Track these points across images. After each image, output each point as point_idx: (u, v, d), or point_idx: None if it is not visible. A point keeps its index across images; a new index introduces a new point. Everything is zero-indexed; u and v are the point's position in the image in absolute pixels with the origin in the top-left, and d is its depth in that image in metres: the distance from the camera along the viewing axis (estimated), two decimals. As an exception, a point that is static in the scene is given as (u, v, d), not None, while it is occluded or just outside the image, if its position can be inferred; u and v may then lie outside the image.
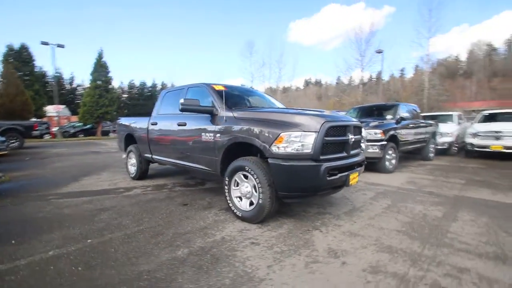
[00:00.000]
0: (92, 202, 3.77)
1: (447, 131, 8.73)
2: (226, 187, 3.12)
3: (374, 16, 56.48)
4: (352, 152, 3.03)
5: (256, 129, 2.80)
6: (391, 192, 4.26)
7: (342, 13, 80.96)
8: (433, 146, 7.99)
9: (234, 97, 3.83)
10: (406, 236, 2.59)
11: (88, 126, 25.56)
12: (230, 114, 3.19)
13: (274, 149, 2.63)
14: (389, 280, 1.85)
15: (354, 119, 3.24)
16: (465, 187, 4.61)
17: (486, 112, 9.18)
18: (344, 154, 2.91)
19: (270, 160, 2.65)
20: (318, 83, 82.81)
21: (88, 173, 6.05)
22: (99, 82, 25.95)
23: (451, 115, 9.93)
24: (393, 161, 6.01)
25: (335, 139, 2.78)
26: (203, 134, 3.43)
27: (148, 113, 4.94)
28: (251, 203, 2.92)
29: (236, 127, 3.03)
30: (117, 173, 6.05)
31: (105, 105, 25.73)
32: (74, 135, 24.28)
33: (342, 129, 2.89)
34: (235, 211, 3.03)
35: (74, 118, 33.04)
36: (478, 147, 7.77)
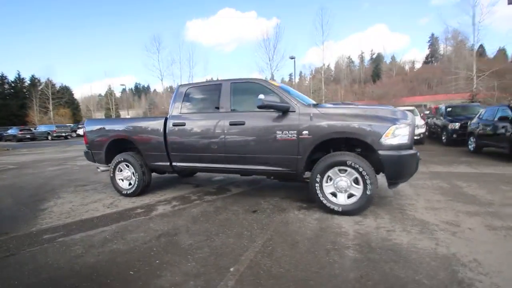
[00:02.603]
0: (123, 233, 2.85)
1: (420, 123, 9.64)
2: (317, 184, 3.07)
3: (265, 25, 62.52)
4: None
5: (360, 124, 2.92)
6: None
7: (237, 19, 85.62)
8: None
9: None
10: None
11: None
12: (314, 110, 3.14)
13: (385, 141, 2.84)
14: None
15: None
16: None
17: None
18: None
19: (381, 152, 2.85)
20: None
21: (41, 199, 4.32)
22: None
23: (414, 109, 10.90)
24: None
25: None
26: (278, 132, 3.20)
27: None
28: (350, 196, 3.03)
29: (328, 123, 3.03)
30: (91, 192, 4.60)
31: None
32: None
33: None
34: (331, 206, 3.03)
35: None
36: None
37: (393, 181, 2.97)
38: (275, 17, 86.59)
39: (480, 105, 10.83)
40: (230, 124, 3.46)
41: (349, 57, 75.02)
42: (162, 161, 3.98)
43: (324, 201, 3.07)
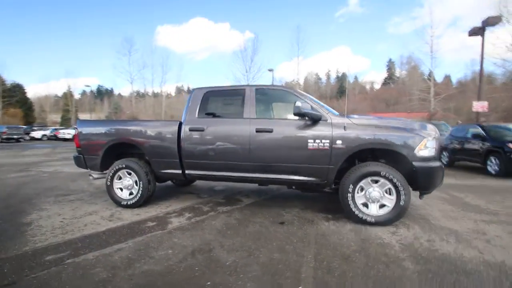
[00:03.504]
0: (146, 251, 2.49)
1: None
2: (349, 194, 3.03)
3: (238, 37, 63.62)
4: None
5: (396, 136, 2.97)
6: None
7: (209, 29, 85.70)
8: None
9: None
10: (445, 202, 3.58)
11: None
12: (347, 121, 3.13)
13: (418, 153, 2.91)
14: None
15: None
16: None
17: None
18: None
19: (416, 163, 2.90)
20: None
21: (19, 211, 3.64)
22: None
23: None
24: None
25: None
26: (310, 141, 3.12)
27: None
28: (381, 206, 3.03)
29: (363, 134, 3.03)
30: (78, 203, 4.00)
31: None
32: None
33: None
34: (363, 217, 2.99)
35: None
36: None
37: (424, 192, 3.04)
38: (248, 30, 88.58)
39: (446, 124, 11.98)
40: (257, 131, 3.29)
41: (316, 74, 79.16)
42: (173, 168, 3.63)
43: (356, 212, 3.02)
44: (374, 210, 3.02)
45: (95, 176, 4.03)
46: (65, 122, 44.67)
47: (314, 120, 3.14)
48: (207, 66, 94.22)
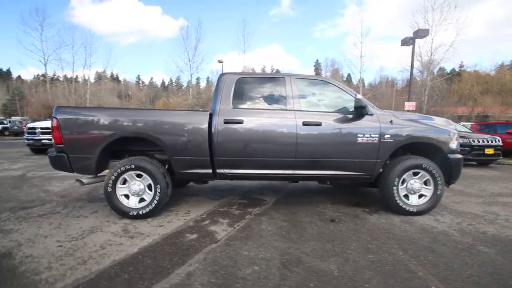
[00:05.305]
0: (228, 271, 2.04)
1: None
2: (394, 187, 3.11)
3: (169, 24, 59.27)
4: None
5: (436, 130, 3.17)
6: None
7: (137, 10, 77.11)
8: None
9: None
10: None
11: None
12: (392, 116, 3.17)
13: (451, 146, 3.18)
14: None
15: None
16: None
17: None
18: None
19: (451, 156, 3.16)
20: (115, 79, 72.81)
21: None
22: None
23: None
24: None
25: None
26: (360, 135, 3.05)
27: None
28: (420, 196, 3.21)
29: (408, 129, 3.13)
30: (58, 218, 2.98)
31: None
32: None
33: None
34: (407, 208, 3.12)
35: None
36: None
37: (452, 182, 3.36)
38: (182, 17, 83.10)
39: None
40: (304, 125, 3.04)
41: (253, 69, 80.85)
42: (201, 167, 3.06)
43: (401, 203, 3.13)
44: (415, 201, 3.19)
45: (86, 181, 3.06)
46: None
47: (365, 114, 3.09)
48: (137, 51, 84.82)
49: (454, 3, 20.48)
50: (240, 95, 3.17)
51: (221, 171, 3.08)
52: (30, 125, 9.49)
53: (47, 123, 9.40)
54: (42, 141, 8.78)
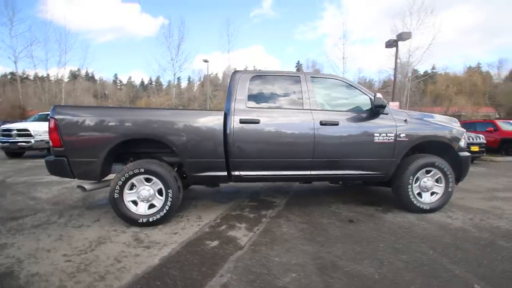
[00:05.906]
0: (261, 282, 1.92)
1: None
2: (409, 186, 3.13)
3: (148, 22, 57.64)
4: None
5: (449, 129, 3.24)
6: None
7: (113, 6, 73.88)
8: None
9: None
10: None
11: None
12: (406, 115, 3.19)
13: (461, 145, 3.25)
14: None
15: None
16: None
17: None
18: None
19: (461, 154, 3.23)
20: (91, 78, 69.35)
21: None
22: None
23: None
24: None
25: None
26: (376, 134, 3.03)
27: None
28: (432, 194, 3.26)
29: (422, 128, 3.17)
30: (56, 229, 2.70)
31: None
32: None
33: None
34: (421, 206, 3.15)
35: None
36: None
37: (461, 179, 3.44)
38: (161, 16, 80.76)
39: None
40: (321, 124, 2.97)
41: (235, 68, 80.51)
42: (215, 170, 2.90)
43: (415, 201, 3.15)
44: (427, 199, 3.23)
45: (88, 187, 2.80)
46: None
47: (381, 113, 3.08)
48: (114, 50, 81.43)
49: (430, 8, 21.57)
50: (254, 94, 3.05)
51: (237, 173, 2.94)
52: (5, 126, 8.75)
53: (24, 125, 8.73)
54: (19, 144, 8.11)
